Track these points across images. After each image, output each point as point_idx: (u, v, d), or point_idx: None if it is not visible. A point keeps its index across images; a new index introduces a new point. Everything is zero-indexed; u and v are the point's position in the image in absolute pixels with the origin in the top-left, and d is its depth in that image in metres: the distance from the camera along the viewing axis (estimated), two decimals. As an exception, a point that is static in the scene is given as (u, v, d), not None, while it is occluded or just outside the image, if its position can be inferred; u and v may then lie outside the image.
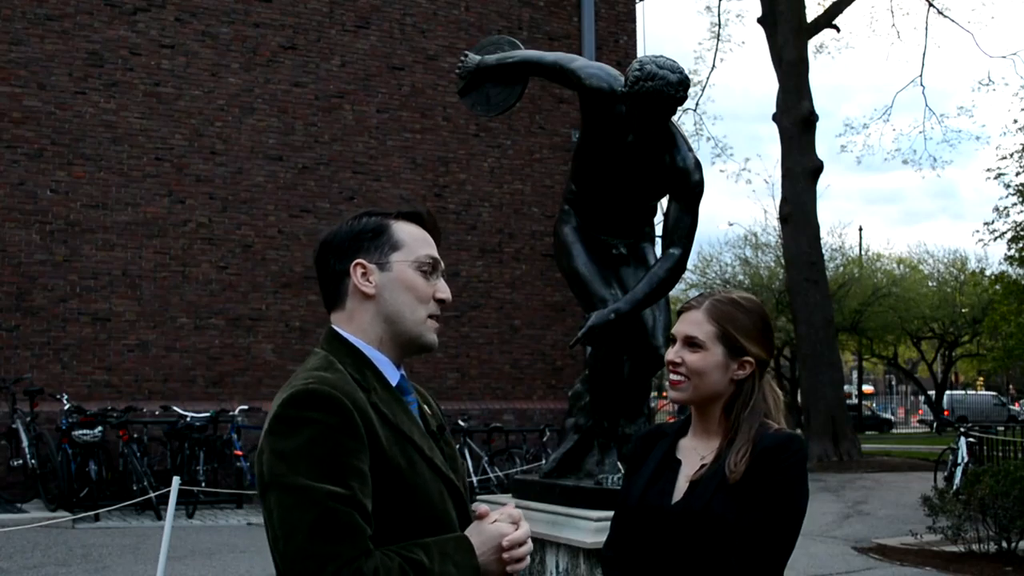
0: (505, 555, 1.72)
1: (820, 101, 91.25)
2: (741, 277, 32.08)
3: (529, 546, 1.77)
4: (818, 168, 21.27)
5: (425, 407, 1.91)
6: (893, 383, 63.60)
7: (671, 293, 4.44)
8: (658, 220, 4.87)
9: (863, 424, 37.57)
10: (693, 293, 29.35)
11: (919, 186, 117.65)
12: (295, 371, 1.80)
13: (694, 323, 2.19)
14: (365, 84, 13.67)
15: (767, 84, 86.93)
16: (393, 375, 1.83)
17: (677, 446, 2.24)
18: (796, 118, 21.05)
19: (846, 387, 43.05)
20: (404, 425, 1.77)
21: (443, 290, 1.87)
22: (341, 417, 1.66)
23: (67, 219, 11.89)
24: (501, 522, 1.76)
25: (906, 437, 34.95)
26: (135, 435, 10.96)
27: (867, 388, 64.32)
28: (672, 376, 2.19)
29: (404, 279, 1.83)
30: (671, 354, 2.20)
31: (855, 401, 41.23)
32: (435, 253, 1.88)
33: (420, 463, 1.76)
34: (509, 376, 14.37)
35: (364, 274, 1.82)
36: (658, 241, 4.73)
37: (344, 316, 1.84)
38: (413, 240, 1.85)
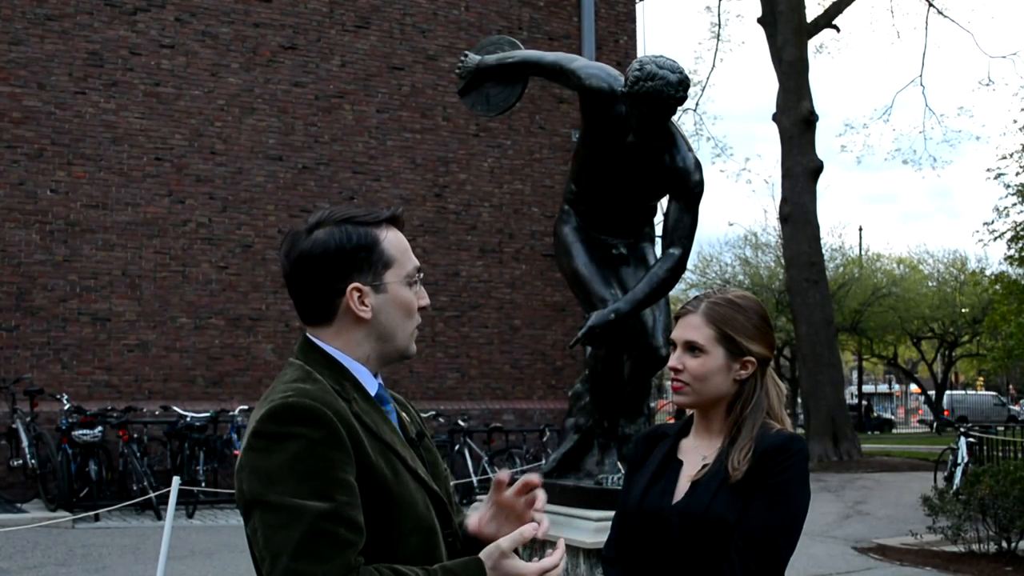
0: None
1: (820, 101, 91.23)
2: (741, 277, 32.12)
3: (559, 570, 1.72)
4: (818, 168, 21.28)
5: (404, 415, 1.88)
6: (893, 382, 63.63)
7: (671, 293, 4.44)
8: (658, 220, 4.88)
9: (863, 424, 37.57)
10: (693, 293, 29.35)
11: (916, 186, 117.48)
12: (272, 384, 1.77)
13: (693, 327, 2.18)
14: (365, 84, 13.67)
15: (767, 84, 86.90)
16: (372, 385, 1.79)
17: (679, 446, 2.24)
18: (796, 118, 21.05)
19: (855, 387, 43.11)
20: (386, 435, 1.74)
21: (424, 297, 1.84)
22: (325, 430, 1.62)
23: (67, 219, 11.88)
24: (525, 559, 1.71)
25: (906, 437, 34.94)
26: (135, 435, 10.96)
27: (914, 389, 64.08)
28: (674, 382, 2.19)
29: (398, 299, 1.78)
30: (672, 360, 2.19)
31: (864, 401, 41.23)
32: (417, 261, 1.83)
33: (404, 473, 1.72)
34: (509, 376, 14.37)
35: (360, 298, 1.75)
36: (658, 241, 4.73)
37: (330, 332, 1.78)
38: (401, 253, 1.80)
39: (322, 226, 1.77)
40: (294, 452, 1.60)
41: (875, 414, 44.59)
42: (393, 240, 1.80)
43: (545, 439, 13.34)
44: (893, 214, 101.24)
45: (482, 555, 1.69)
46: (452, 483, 1.97)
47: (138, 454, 10.64)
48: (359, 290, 1.75)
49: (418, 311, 1.83)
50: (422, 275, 1.84)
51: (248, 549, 1.74)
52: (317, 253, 1.75)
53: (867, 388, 52.32)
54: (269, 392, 1.72)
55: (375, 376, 1.81)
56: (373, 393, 1.79)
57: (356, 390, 1.75)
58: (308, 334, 1.81)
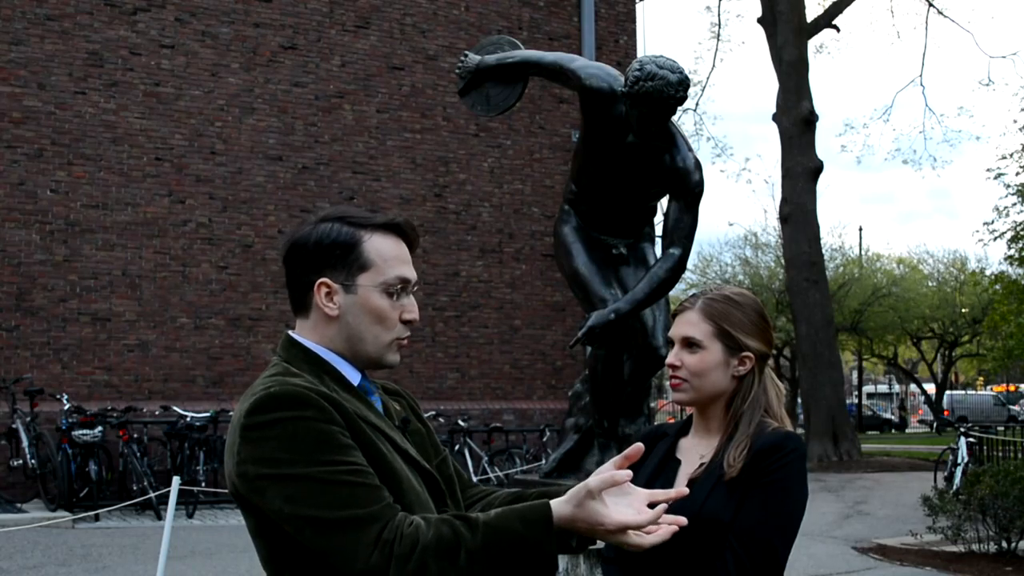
0: (612, 538, 1.64)
1: (820, 101, 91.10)
2: (741, 277, 32.12)
3: (645, 539, 1.64)
4: (818, 168, 21.28)
5: (395, 404, 1.87)
6: (893, 382, 63.61)
7: (671, 293, 4.45)
8: (658, 220, 4.88)
9: (863, 424, 37.58)
10: (693, 292, 29.35)
11: (915, 186, 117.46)
12: (253, 382, 1.74)
13: (690, 324, 2.18)
14: (365, 84, 13.67)
15: (767, 84, 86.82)
16: (354, 376, 1.78)
17: (677, 445, 2.24)
18: (796, 118, 21.05)
19: (866, 387, 43.05)
20: (372, 419, 1.74)
21: (411, 310, 1.79)
22: (313, 408, 1.62)
23: (67, 219, 11.89)
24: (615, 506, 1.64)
25: (906, 437, 34.94)
26: (135, 435, 10.96)
27: (929, 386, 63.89)
28: (672, 379, 2.18)
29: (368, 304, 1.75)
30: (671, 357, 2.19)
31: (866, 400, 41.21)
32: (407, 272, 1.78)
33: (393, 453, 1.73)
34: (509, 376, 14.37)
35: (328, 294, 1.75)
36: (658, 241, 4.73)
37: (308, 325, 1.79)
38: (383, 260, 1.76)
39: (323, 221, 1.80)
40: (291, 433, 1.60)
41: (906, 413, 44.61)
42: (377, 245, 1.77)
43: (545, 439, 13.34)
44: (892, 214, 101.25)
45: (569, 492, 1.64)
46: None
47: (138, 454, 10.64)
48: (327, 286, 1.75)
49: (403, 324, 1.79)
50: (404, 287, 1.79)
51: (250, 547, 1.73)
52: (300, 244, 1.78)
53: (867, 388, 52.30)
54: (251, 388, 1.71)
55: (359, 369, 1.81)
56: (356, 383, 1.78)
57: (337, 382, 1.75)
58: (291, 332, 1.82)
